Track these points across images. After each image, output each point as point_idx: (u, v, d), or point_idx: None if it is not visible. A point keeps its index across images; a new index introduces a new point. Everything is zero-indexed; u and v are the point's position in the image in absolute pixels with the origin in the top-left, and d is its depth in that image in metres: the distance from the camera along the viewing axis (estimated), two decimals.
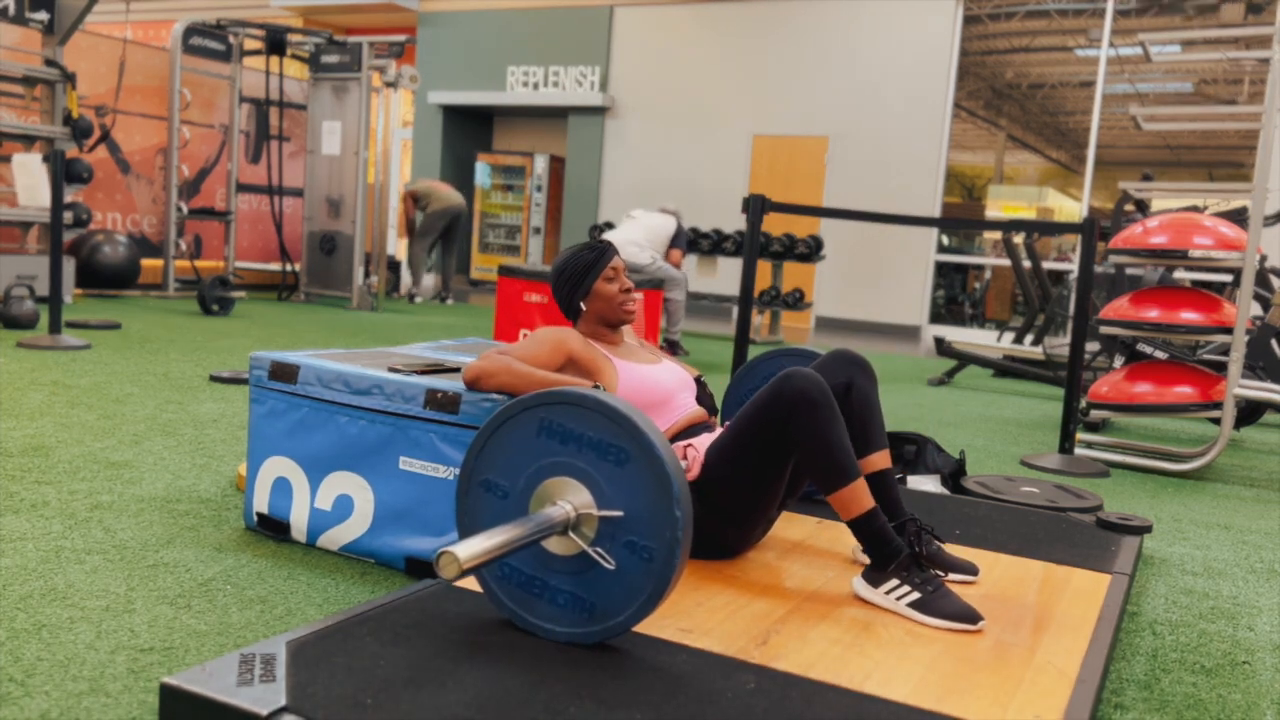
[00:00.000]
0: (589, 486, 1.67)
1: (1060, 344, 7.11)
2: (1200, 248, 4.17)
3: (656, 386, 2.31)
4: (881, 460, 2.28)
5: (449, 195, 10.10)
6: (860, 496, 2.01)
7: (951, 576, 2.19)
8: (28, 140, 7.58)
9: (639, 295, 2.40)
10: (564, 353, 2.25)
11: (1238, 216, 5.40)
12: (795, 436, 2.02)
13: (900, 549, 1.98)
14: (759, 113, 11.79)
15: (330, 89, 9.26)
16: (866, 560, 2.08)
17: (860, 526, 2.01)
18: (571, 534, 1.67)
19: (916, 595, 1.94)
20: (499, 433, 1.74)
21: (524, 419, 1.71)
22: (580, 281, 2.32)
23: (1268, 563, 2.99)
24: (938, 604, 1.93)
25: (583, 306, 2.34)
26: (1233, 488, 4.15)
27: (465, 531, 1.78)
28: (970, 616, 1.91)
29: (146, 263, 8.83)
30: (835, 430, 2.01)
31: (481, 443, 1.75)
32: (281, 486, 2.44)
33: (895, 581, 1.96)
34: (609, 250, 2.34)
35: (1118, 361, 5.72)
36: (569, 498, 1.67)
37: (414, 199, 10.13)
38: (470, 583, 1.99)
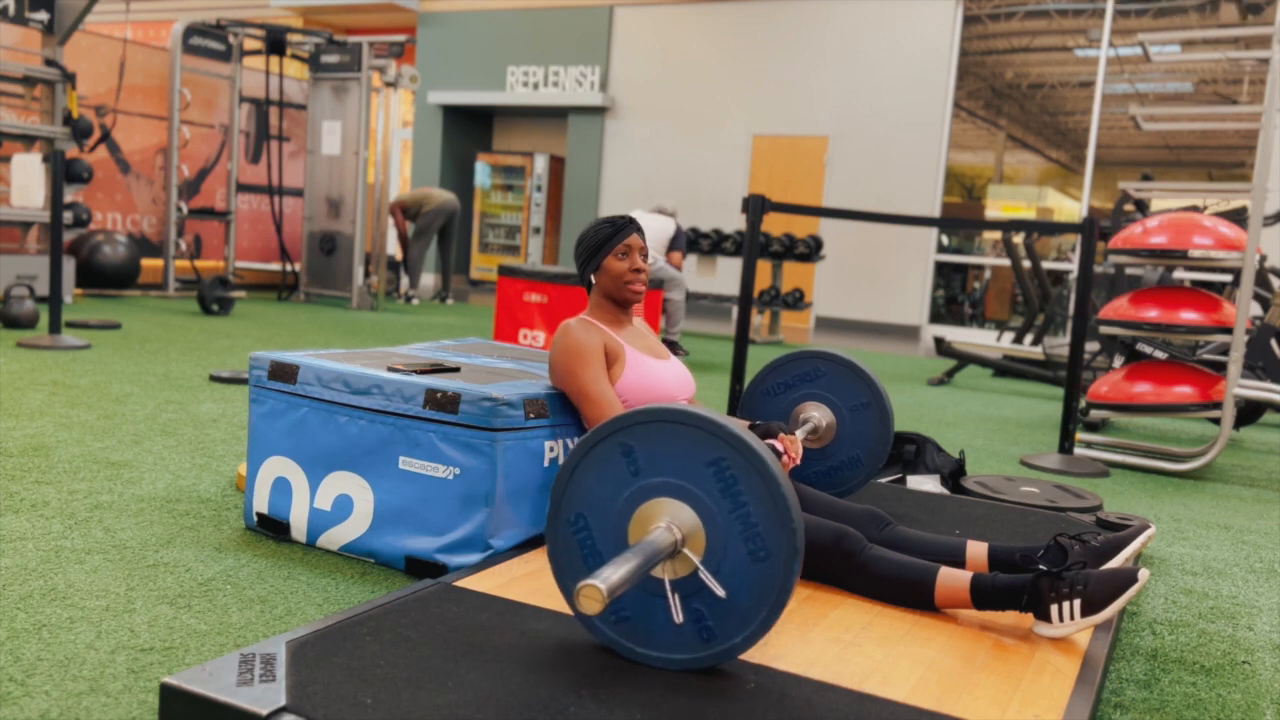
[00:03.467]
0: (708, 540, 1.58)
1: (1060, 344, 7.11)
2: (1200, 248, 4.17)
3: (660, 385, 2.33)
4: (977, 551, 2.20)
5: (440, 195, 10.10)
6: (954, 586, 1.97)
7: (1136, 544, 2.12)
8: (28, 140, 7.58)
9: (647, 269, 2.40)
10: (602, 355, 2.29)
11: (1237, 216, 5.40)
12: (859, 592, 2.08)
13: (1025, 581, 1.92)
14: (759, 113, 11.79)
15: (330, 89, 9.26)
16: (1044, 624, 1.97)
17: (982, 602, 1.95)
18: (669, 561, 1.61)
19: (1079, 600, 1.87)
20: (675, 427, 1.60)
21: (709, 441, 1.58)
22: (593, 255, 2.35)
23: (1268, 563, 2.99)
24: (1100, 593, 1.86)
25: (592, 280, 2.37)
26: (1233, 488, 4.15)
27: (572, 469, 1.67)
28: (1131, 578, 1.85)
29: (146, 263, 8.84)
30: (886, 565, 2.02)
31: (653, 419, 1.61)
32: (281, 486, 2.44)
33: (1055, 606, 1.89)
34: (628, 227, 2.34)
35: (1117, 361, 5.71)
36: (680, 524, 1.60)
37: (403, 210, 10.13)
38: (470, 583, 1.99)
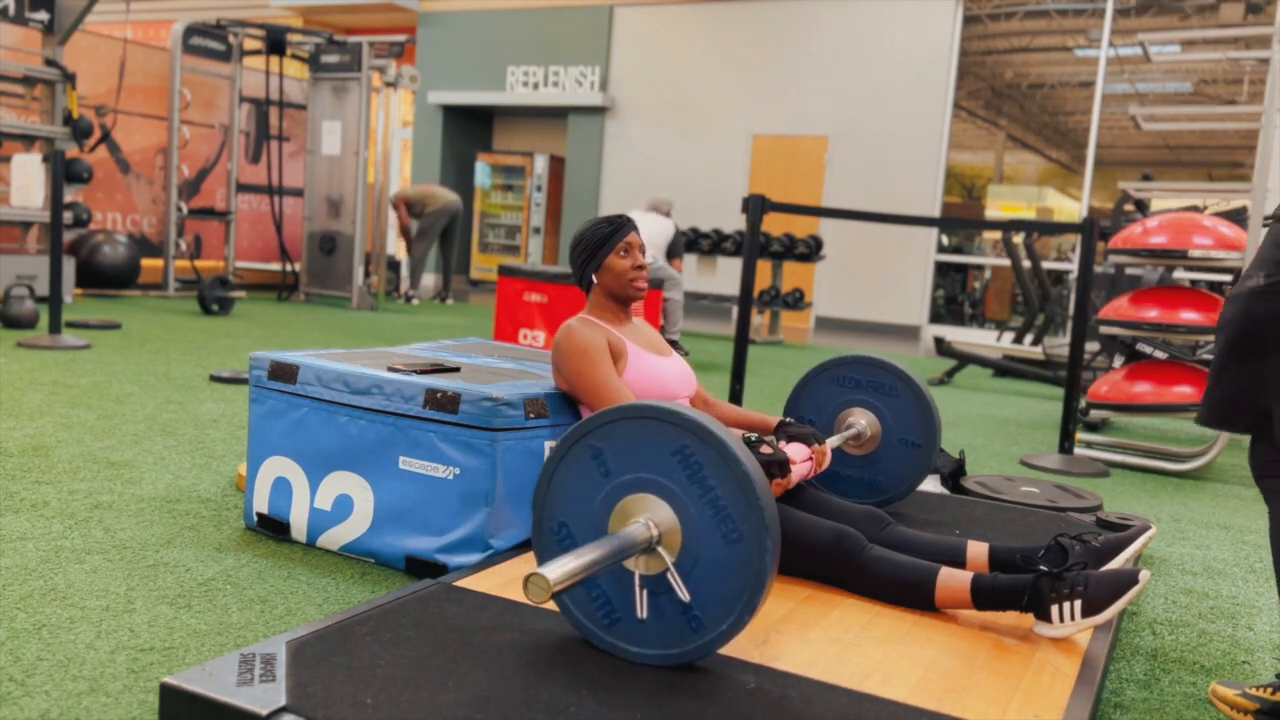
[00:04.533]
0: (684, 530, 1.59)
1: (1060, 344, 7.11)
2: (1200, 248, 4.17)
3: (662, 381, 2.33)
4: (977, 551, 2.19)
5: (445, 195, 10.09)
6: (954, 586, 1.97)
7: (1136, 545, 2.13)
8: (28, 140, 7.58)
9: (647, 266, 2.40)
10: (608, 352, 2.28)
11: (1237, 216, 5.40)
12: (860, 593, 2.08)
13: (1025, 582, 1.91)
14: (759, 113, 11.79)
15: (330, 89, 9.26)
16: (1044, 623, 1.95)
17: (982, 603, 1.95)
18: (643, 556, 1.62)
19: (1080, 601, 1.87)
20: (636, 423, 1.62)
21: (669, 431, 1.60)
22: (594, 254, 2.34)
23: (1267, 563, 2.99)
24: (1101, 594, 1.86)
25: (594, 279, 2.36)
26: (1232, 488, 4.15)
27: (549, 478, 1.70)
28: (1131, 579, 1.84)
29: (146, 263, 8.83)
30: (886, 565, 2.03)
31: (615, 418, 1.64)
32: (281, 486, 2.44)
33: (1055, 607, 1.89)
34: (626, 225, 2.35)
35: (1117, 361, 5.71)
36: (656, 520, 1.61)
37: (407, 205, 10.11)
38: (470, 583, 1.99)
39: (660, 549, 1.61)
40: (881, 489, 2.78)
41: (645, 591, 1.63)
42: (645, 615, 1.63)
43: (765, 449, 2.15)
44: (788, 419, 2.46)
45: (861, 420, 2.77)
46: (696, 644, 1.61)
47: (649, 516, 1.61)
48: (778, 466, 2.13)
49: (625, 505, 1.64)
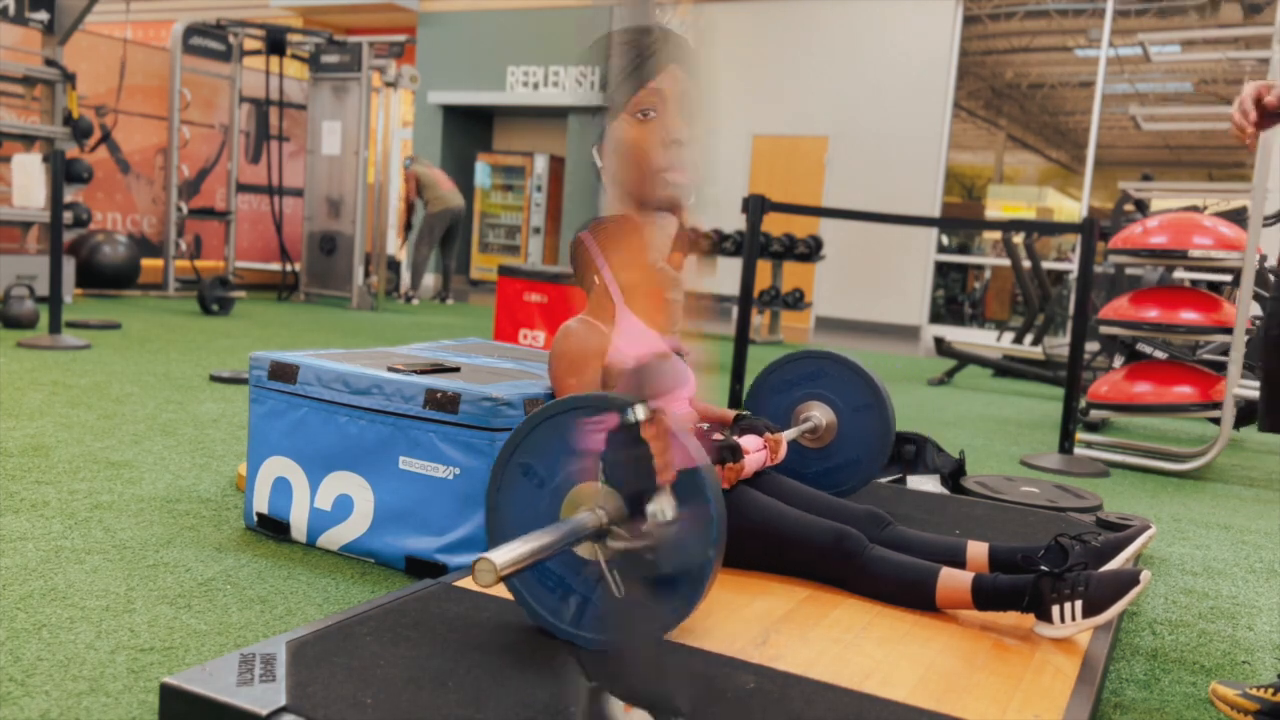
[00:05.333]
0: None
1: (1060, 344, 7.11)
2: (1200, 248, 4.17)
3: None
4: (977, 551, 2.19)
5: (450, 195, 10.08)
6: (955, 587, 1.97)
7: (1136, 545, 2.12)
8: (28, 140, 7.58)
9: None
10: (600, 361, 2.25)
11: (1237, 216, 5.40)
12: (858, 592, 2.08)
13: (1026, 583, 1.91)
14: (759, 113, 11.78)
15: (330, 89, 9.26)
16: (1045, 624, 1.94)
17: (983, 603, 1.95)
18: (596, 544, 1.63)
19: (1081, 602, 1.86)
20: (549, 423, 1.66)
21: (570, 418, 1.64)
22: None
23: (1267, 562, 2.99)
24: (1101, 594, 1.85)
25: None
26: (1232, 488, 4.15)
27: (494, 509, 1.73)
28: (1132, 579, 1.84)
29: (146, 263, 8.83)
30: (887, 566, 2.03)
31: (530, 428, 1.68)
32: (281, 486, 2.44)
33: (1056, 607, 1.88)
34: None
35: (1117, 361, 5.71)
36: (603, 504, 1.62)
37: (416, 183, 10.09)
38: (470, 583, 1.99)
39: (616, 529, 1.62)
40: (860, 464, 2.77)
41: (616, 573, 1.63)
42: (623, 592, 1.63)
43: (716, 436, 2.16)
44: (743, 413, 2.46)
45: (815, 412, 2.79)
46: (681, 602, 1.62)
47: (595, 502, 1.62)
48: (729, 451, 2.13)
49: (569, 501, 1.65)
